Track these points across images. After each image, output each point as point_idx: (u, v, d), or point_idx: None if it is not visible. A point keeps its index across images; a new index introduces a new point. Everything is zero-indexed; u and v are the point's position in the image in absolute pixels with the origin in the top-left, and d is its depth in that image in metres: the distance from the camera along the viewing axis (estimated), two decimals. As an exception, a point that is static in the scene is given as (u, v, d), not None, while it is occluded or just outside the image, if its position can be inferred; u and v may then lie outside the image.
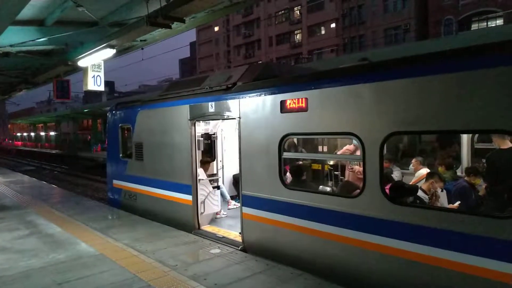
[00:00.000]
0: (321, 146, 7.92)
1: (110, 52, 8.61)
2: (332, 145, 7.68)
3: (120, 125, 9.76)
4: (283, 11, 50.40)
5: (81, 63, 9.51)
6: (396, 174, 6.95)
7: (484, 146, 6.59)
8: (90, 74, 9.73)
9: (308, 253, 5.17)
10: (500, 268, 3.53)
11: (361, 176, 4.73)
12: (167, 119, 7.93)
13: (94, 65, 9.69)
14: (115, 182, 10.05)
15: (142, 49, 11.11)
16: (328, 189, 6.69)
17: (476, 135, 6.79)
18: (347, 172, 6.97)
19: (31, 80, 14.19)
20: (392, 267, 4.31)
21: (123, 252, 6.05)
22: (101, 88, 10.24)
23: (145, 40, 9.25)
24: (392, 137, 4.46)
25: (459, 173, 6.91)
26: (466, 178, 5.86)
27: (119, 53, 10.35)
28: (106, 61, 10.10)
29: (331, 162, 7.42)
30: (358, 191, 4.83)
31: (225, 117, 6.58)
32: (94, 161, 31.50)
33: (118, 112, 9.94)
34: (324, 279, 4.79)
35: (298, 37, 49.15)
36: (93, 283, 4.90)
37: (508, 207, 4.05)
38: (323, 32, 45.66)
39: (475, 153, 6.87)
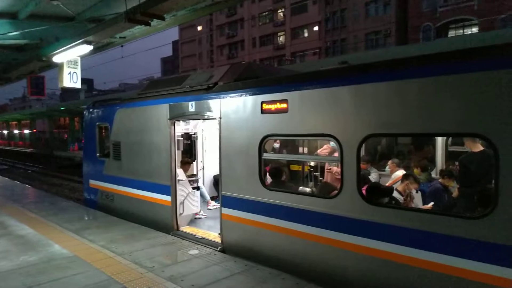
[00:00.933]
0: (301, 148, 7.97)
1: (86, 48, 8.40)
2: (312, 146, 7.74)
3: (97, 123, 9.54)
4: (267, 13, 50.58)
5: (56, 58, 9.22)
6: (373, 176, 7.07)
7: (457, 149, 6.78)
8: (66, 70, 9.46)
9: (288, 253, 5.18)
10: (471, 267, 3.64)
11: (339, 177, 4.78)
12: (146, 118, 7.81)
13: (70, 62, 9.43)
14: (92, 182, 9.82)
15: (122, 46, 10.92)
16: (308, 190, 6.74)
17: (450, 139, 6.98)
18: (326, 173, 7.04)
19: (3, 76, 13.70)
20: (369, 267, 4.37)
21: (98, 254, 5.91)
22: (78, 85, 9.98)
23: (124, 37, 9.09)
24: (369, 140, 4.53)
25: (434, 175, 7.08)
26: (440, 180, 6.02)
27: (97, 49, 10.14)
28: (83, 58, 9.86)
29: (312, 163, 7.48)
30: (336, 191, 4.88)
31: (206, 117, 6.53)
32: (70, 160, 30.72)
33: (95, 110, 9.72)
34: (303, 279, 4.82)
35: (282, 39, 49.42)
36: (66, 285, 4.77)
37: (478, 208, 4.18)
38: (306, 34, 46.05)
39: (449, 156, 7.05)
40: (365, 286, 4.41)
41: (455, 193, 5.76)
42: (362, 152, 7.27)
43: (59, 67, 9.64)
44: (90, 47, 8.34)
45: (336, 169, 6.25)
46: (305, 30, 46.03)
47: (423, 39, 33.54)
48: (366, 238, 4.41)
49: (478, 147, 4.92)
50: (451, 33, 32.75)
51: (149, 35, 9.26)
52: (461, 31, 32.31)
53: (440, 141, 7.07)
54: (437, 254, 3.86)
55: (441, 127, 3.98)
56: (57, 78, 9.82)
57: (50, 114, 44.53)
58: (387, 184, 6.35)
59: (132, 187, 8.16)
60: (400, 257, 4.11)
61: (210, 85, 6.51)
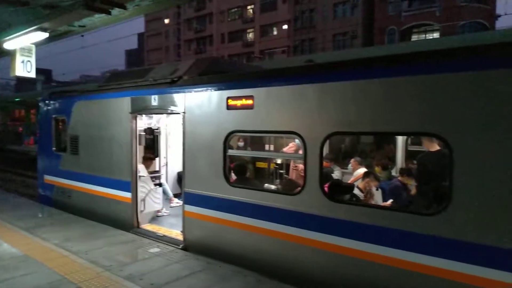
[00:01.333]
0: (268, 145, 7.97)
1: (41, 36, 7.90)
2: (279, 143, 7.76)
3: (53, 116, 9.05)
4: (236, 9, 50.29)
5: (8, 45, 8.58)
6: (336, 174, 7.20)
7: (416, 149, 7.03)
8: (19, 58, 8.84)
9: (252, 250, 5.15)
10: (427, 262, 3.76)
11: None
12: (106, 112, 7.49)
13: (24, 49, 8.83)
14: (47, 177, 9.32)
15: (82, 36, 10.41)
16: (273, 187, 6.74)
17: (410, 138, 7.22)
18: (291, 170, 7.07)
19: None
20: (331, 263, 4.43)
21: (51, 253, 5.60)
22: (32, 75, 9.37)
23: (83, 26, 8.64)
24: (333, 138, 4.58)
25: (394, 173, 7.31)
26: (399, 178, 6.22)
27: (54, 38, 9.57)
28: (39, 46, 9.29)
29: (278, 161, 7.50)
30: (299, 188, 4.90)
31: (169, 111, 6.36)
32: (25, 155, 29.09)
33: (51, 102, 9.21)
34: (266, 276, 4.80)
35: (251, 35, 49.34)
36: (14, 287, 4.47)
37: (434, 205, 4.34)
38: (275, 32, 46.26)
39: (409, 155, 7.30)
40: (327, 281, 4.46)
41: (413, 190, 5.98)
42: (326, 150, 7.45)
43: (11, 54, 9.01)
44: (46, 35, 7.85)
45: (302, 166, 6.29)
46: (275, 28, 46.23)
47: (388, 41, 34.64)
48: (328, 235, 4.45)
49: (435, 147, 5.11)
50: (414, 37, 34.07)
51: (111, 25, 8.87)
52: (424, 35, 33.72)
53: (400, 140, 7.31)
54: (396, 250, 3.96)
55: (401, 127, 4.09)
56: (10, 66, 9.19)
57: (3, 106, 41.94)
58: (349, 181, 6.48)
59: (90, 183, 7.81)
60: (361, 253, 4.19)
61: (174, 79, 6.34)
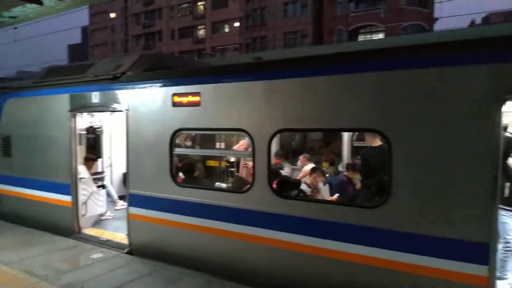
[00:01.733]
0: (219, 143, 7.86)
1: (-33, 27, 7.16)
2: (231, 141, 7.68)
3: (-18, 114, 8.25)
4: (186, 4, 49.26)
5: None
6: (286, 170, 7.27)
7: (361, 144, 7.29)
8: None
9: (201, 251, 5.05)
10: (370, 253, 3.90)
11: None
12: (42, 110, 6.95)
13: None
14: (-25, 182, 8.48)
15: (16, 28, 9.59)
16: (223, 185, 6.66)
17: (356, 135, 7.48)
18: (241, 168, 7.03)
19: None
20: (281, 259, 4.45)
21: (-22, 265, 5.10)
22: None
23: (15, 17, 7.93)
24: (283, 135, 4.60)
25: (341, 168, 7.54)
26: (345, 173, 6.41)
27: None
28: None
29: (232, 159, 7.41)
30: (248, 186, 4.87)
31: (111, 109, 6.04)
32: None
33: (-21, 100, 8.38)
34: (215, 277, 4.72)
35: (202, 32, 48.61)
36: None
37: (376, 198, 4.52)
38: (227, 29, 45.97)
39: (354, 151, 7.56)
40: (278, 278, 4.47)
41: (358, 185, 6.19)
42: (277, 147, 7.50)
43: None
44: (-29, 26, 7.12)
45: (251, 163, 6.27)
46: (226, 25, 45.95)
47: (337, 41, 35.80)
48: (277, 231, 4.47)
49: (377, 142, 5.31)
50: (361, 38, 35.55)
51: (47, 17, 8.23)
52: (370, 36, 35.30)
53: (346, 136, 7.54)
54: (341, 243, 4.07)
55: (345, 123, 4.21)
56: None
57: None
58: (298, 177, 6.57)
59: (25, 187, 7.22)
60: (308, 247, 4.25)
61: (117, 75, 6.03)
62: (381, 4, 35.90)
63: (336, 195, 5.86)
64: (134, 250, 5.66)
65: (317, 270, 4.23)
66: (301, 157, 7.14)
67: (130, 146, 5.72)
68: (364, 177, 5.39)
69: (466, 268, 3.46)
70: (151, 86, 5.48)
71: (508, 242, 4.67)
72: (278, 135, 4.70)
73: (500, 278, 4.55)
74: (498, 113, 3.33)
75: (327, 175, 6.63)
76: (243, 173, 6.82)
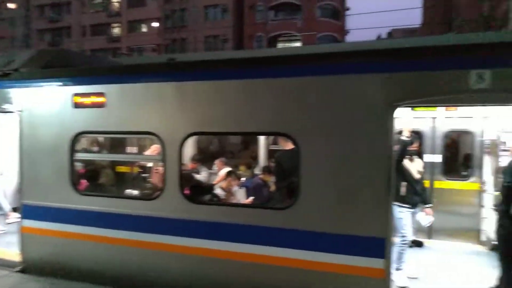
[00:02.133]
0: (131, 147, 7.40)
1: None
2: (144, 145, 7.28)
3: None
4: (100, 0, 46.18)
5: None
6: (203, 175, 7.14)
7: (276, 148, 7.48)
8: None
9: (108, 264, 4.67)
10: (282, 254, 3.97)
11: None
12: None
13: None
14: None
15: None
16: (132, 192, 6.27)
17: (272, 138, 7.65)
18: (153, 174, 6.69)
19: None
20: (194, 266, 4.33)
21: None
22: None
23: None
24: (197, 138, 4.49)
25: (258, 171, 7.64)
26: (261, 176, 6.51)
27: None
28: None
29: (149, 164, 6.99)
30: (158, 192, 4.66)
31: (0, 109, 5.31)
32: None
33: None
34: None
35: (117, 30, 45.99)
36: None
37: (286, 200, 4.64)
38: (144, 29, 44.20)
39: (270, 154, 7.73)
40: (193, 285, 4.33)
41: (272, 187, 6.31)
42: (194, 151, 7.33)
43: None
44: None
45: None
46: (144, 25, 44.20)
47: (257, 47, 36.77)
48: (190, 238, 4.34)
49: (289, 145, 5.47)
50: (280, 45, 37.02)
51: None
52: (288, 44, 36.96)
53: (262, 140, 7.68)
54: (255, 246, 4.09)
55: (256, 127, 4.26)
56: None
57: None
58: (214, 182, 6.49)
59: None
60: (222, 252, 4.20)
61: (8, 72, 5.32)
62: (298, 14, 37.86)
63: (251, 198, 5.90)
64: (27, 268, 5.03)
65: (230, 275, 4.19)
66: (217, 161, 7.07)
67: (23, 151, 5.09)
68: (278, 180, 5.52)
69: (365, 262, 3.72)
70: (48, 85, 4.95)
71: (404, 236, 5.17)
72: (192, 139, 4.57)
73: (397, 269, 5.01)
74: (390, 118, 3.65)
75: (243, 179, 6.67)
76: (155, 179, 6.50)
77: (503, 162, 5.31)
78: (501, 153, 5.82)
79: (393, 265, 4.46)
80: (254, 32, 38.67)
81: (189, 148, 6.98)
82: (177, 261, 4.40)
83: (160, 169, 6.26)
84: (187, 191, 4.64)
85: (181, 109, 4.40)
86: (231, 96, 4.22)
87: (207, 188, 5.24)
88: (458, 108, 6.23)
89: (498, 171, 5.71)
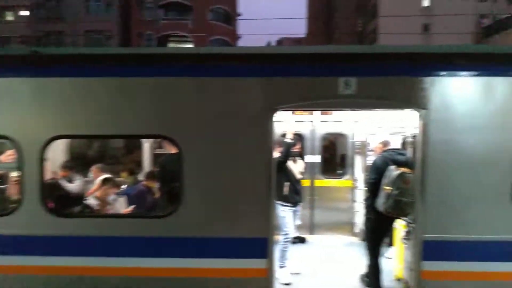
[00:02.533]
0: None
1: None
2: None
3: None
4: None
5: None
6: (76, 184, 6.35)
7: (162, 152, 7.10)
8: None
9: None
10: (164, 265, 3.74)
11: None
12: None
13: None
14: None
15: None
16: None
17: (157, 141, 7.24)
18: (11, 184, 5.67)
19: None
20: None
21: None
22: None
23: None
24: (55, 141, 3.92)
25: (142, 178, 7.14)
26: (144, 182, 6.06)
27: None
28: None
29: (14, 173, 5.88)
30: (14, 206, 3.94)
31: None
32: None
33: None
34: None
35: (-26, 17, 38.87)
36: None
37: (168, 206, 4.39)
38: (10, 18, 38.33)
39: (155, 159, 7.32)
40: None
41: (157, 193, 5.94)
42: (65, 157, 6.46)
43: None
44: None
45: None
46: (10, 13, 38.37)
47: (147, 46, 35.24)
48: (58, 256, 3.81)
49: (175, 149, 5.21)
50: (171, 45, 36.05)
51: None
52: (179, 44, 36.23)
53: (147, 144, 7.22)
54: (136, 259, 3.77)
55: (133, 129, 3.93)
56: None
57: None
58: (90, 191, 5.81)
59: None
60: (92, 269, 3.78)
61: None
62: (189, 15, 37.50)
63: (132, 207, 5.44)
64: None
65: None
66: (93, 167, 6.36)
67: None
68: (162, 186, 5.21)
69: (248, 263, 3.73)
70: None
71: (287, 234, 5.38)
72: (62, 143, 3.98)
73: (281, 267, 5.18)
74: (270, 120, 3.72)
75: (125, 186, 6.14)
76: (13, 190, 5.51)
77: (370, 161, 5.96)
78: (368, 153, 6.55)
79: (277, 263, 4.58)
80: (142, 30, 36.95)
81: (61, 154, 6.17)
82: (39, 284, 3.82)
83: (17, 178, 5.36)
84: (51, 204, 4.00)
85: (42, 110, 3.84)
86: (104, 95, 3.82)
87: (77, 198, 4.63)
88: (333, 112, 6.83)
89: (366, 169, 6.40)
